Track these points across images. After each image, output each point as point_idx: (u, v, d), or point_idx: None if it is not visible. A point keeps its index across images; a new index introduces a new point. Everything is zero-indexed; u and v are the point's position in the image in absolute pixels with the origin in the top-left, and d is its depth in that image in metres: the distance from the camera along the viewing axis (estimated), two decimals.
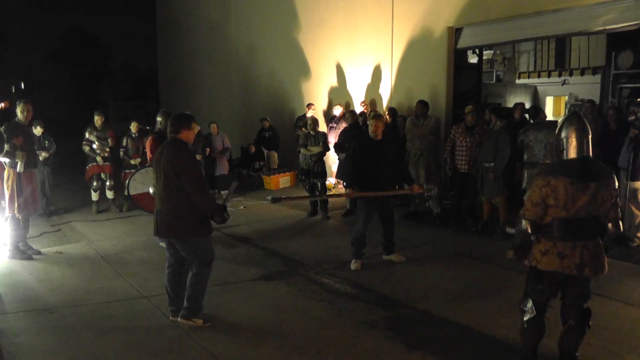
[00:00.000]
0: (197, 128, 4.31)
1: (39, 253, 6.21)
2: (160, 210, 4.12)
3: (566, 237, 3.15)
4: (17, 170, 5.81)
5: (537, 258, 3.22)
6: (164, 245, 6.38)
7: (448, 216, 7.56)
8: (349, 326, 4.23)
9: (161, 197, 4.12)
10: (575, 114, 3.38)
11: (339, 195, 6.76)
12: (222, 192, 8.97)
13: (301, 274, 5.56)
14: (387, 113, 8.66)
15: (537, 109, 7.39)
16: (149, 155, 6.31)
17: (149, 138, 6.42)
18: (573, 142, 3.13)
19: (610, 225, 3.23)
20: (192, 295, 4.22)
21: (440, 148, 8.00)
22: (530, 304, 3.32)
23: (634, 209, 6.08)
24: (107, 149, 8.47)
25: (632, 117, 6.62)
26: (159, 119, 6.44)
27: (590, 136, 3.18)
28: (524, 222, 3.25)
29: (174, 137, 4.17)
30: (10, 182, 5.83)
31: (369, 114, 6.51)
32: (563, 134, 3.18)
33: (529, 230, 3.24)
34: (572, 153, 3.15)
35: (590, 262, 3.15)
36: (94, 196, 8.53)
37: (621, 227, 3.35)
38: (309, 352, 3.81)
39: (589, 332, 3.31)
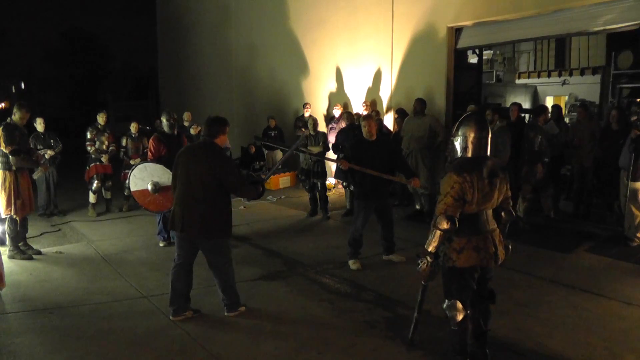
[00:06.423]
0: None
1: (39, 253, 6.21)
2: (187, 210, 4.14)
3: (479, 230, 3.24)
4: (34, 177, 5.85)
5: (453, 257, 3.25)
6: (163, 245, 6.53)
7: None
8: (349, 326, 4.23)
9: (191, 198, 4.13)
10: (475, 113, 3.45)
11: (331, 159, 6.68)
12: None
13: (301, 274, 5.56)
14: (395, 115, 8.65)
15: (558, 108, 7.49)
16: (150, 154, 6.33)
17: (152, 137, 6.44)
18: (475, 142, 3.22)
19: (503, 213, 3.39)
20: (226, 287, 4.36)
21: (436, 148, 7.90)
22: (459, 304, 3.30)
23: (634, 209, 6.06)
24: (104, 146, 8.42)
25: (634, 118, 6.62)
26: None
27: (490, 135, 3.28)
28: (442, 220, 3.16)
29: (210, 141, 4.19)
30: (7, 184, 5.83)
31: (361, 117, 6.47)
32: (463, 132, 3.25)
33: (446, 227, 3.16)
34: (475, 151, 3.23)
35: (499, 250, 3.31)
36: (92, 198, 8.41)
37: (513, 214, 3.50)
38: (309, 352, 3.81)
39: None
